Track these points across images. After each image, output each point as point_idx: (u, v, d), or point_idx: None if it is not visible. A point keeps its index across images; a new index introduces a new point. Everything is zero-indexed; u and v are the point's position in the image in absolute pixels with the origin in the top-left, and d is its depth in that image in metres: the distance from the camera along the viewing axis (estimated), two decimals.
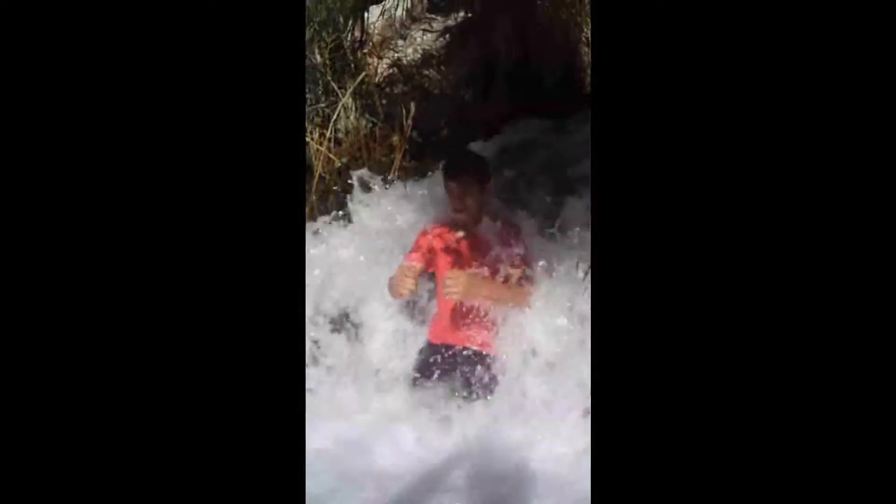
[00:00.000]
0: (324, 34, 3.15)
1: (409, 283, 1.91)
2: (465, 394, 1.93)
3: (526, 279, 1.97)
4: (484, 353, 1.98)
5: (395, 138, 2.72)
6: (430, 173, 2.62)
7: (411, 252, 2.13)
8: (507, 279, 1.95)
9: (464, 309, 1.99)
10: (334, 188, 2.70)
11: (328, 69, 3.02)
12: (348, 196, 2.55)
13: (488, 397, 1.92)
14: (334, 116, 2.86)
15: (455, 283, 1.83)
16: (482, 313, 1.96)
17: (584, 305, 1.88)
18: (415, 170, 2.69)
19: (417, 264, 2.02)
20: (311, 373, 2.19)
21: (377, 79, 3.07)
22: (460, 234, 2.11)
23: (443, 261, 2.09)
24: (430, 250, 2.13)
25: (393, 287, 2.04)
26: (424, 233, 2.20)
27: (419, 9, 3.30)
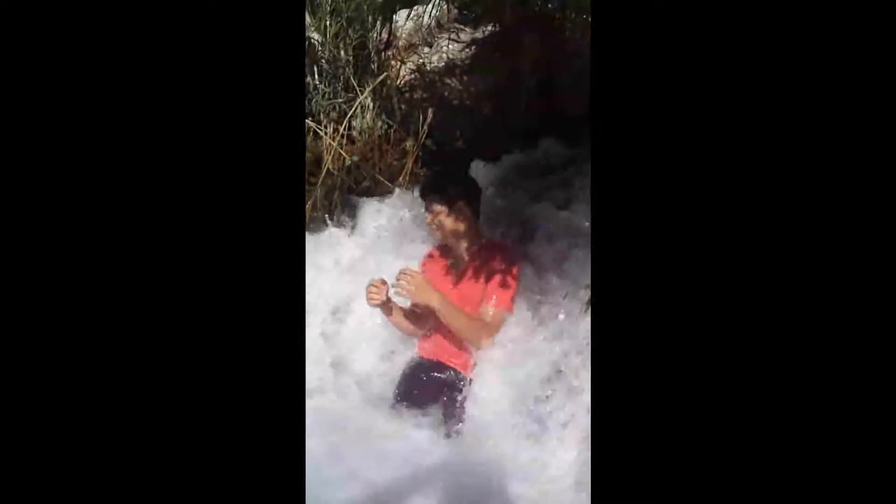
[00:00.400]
0: (350, 31, 3.14)
1: (373, 294, 1.91)
2: (446, 411, 1.90)
3: (505, 311, 1.91)
4: (464, 375, 1.93)
5: (409, 143, 2.70)
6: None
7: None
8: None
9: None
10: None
11: (350, 66, 3.01)
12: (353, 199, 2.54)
13: (466, 418, 1.87)
14: (350, 113, 2.84)
15: (410, 281, 1.79)
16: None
17: (576, 332, 1.85)
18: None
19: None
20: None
21: (398, 81, 3.05)
22: (449, 262, 2.06)
23: (441, 285, 2.00)
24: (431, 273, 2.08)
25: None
26: (430, 256, 2.16)
27: (447, 18, 3.29)
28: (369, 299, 1.93)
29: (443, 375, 1.95)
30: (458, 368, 1.94)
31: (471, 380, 1.91)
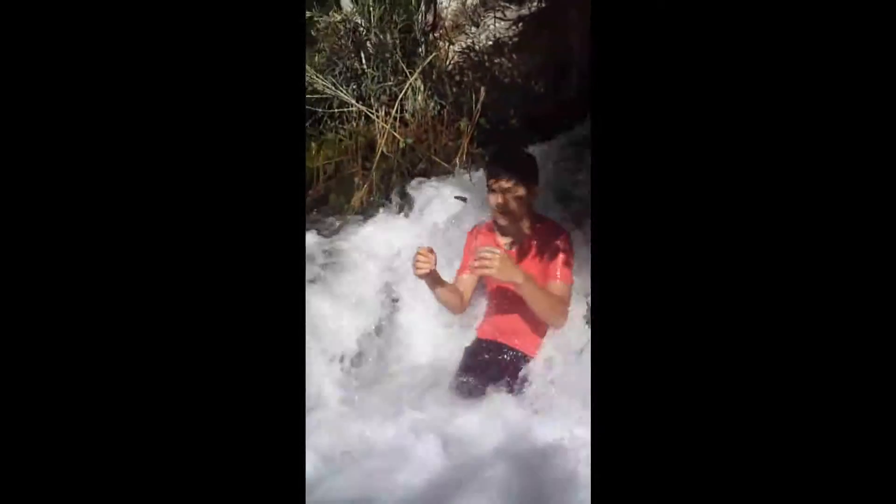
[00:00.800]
0: (394, 14, 3.14)
1: (421, 262, 1.85)
2: (505, 393, 1.87)
3: (569, 284, 1.90)
4: (527, 356, 1.92)
5: (463, 123, 2.69)
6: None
7: (464, 257, 2.06)
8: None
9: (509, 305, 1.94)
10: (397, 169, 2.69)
11: (397, 49, 3.01)
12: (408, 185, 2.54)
13: (527, 398, 1.86)
14: (401, 95, 2.85)
15: (492, 257, 1.72)
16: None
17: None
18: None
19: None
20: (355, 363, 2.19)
21: (447, 63, 3.05)
22: (506, 240, 2.03)
23: None
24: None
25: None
26: (473, 234, 2.12)
27: None
28: (416, 268, 1.86)
29: (503, 356, 1.94)
30: (519, 349, 1.94)
31: (532, 358, 1.91)
